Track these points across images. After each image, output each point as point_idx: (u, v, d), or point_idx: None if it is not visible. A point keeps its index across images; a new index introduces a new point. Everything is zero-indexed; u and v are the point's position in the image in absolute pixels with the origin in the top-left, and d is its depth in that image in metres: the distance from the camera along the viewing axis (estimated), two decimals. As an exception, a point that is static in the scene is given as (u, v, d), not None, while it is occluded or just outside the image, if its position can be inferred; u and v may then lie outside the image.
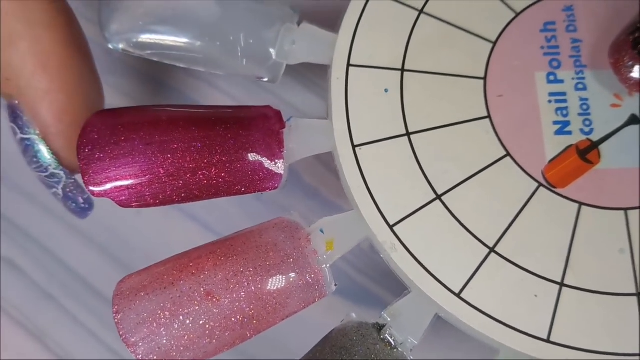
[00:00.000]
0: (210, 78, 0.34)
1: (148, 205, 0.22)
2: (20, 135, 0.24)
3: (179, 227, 0.32)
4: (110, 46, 0.24)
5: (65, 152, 0.24)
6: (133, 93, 0.34)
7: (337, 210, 0.31)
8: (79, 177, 0.24)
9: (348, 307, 0.30)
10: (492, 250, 0.22)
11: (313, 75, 0.33)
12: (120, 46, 0.24)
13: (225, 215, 0.32)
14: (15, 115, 0.24)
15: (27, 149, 0.24)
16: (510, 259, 0.21)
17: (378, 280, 0.30)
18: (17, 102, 0.24)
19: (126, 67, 0.34)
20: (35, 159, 0.24)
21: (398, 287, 0.29)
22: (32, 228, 0.33)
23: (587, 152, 0.22)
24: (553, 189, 0.22)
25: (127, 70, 0.34)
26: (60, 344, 0.31)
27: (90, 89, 0.24)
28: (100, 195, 0.22)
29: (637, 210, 0.22)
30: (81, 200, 0.25)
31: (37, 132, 0.24)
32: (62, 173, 0.24)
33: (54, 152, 0.24)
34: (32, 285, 0.32)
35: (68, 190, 0.24)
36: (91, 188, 0.22)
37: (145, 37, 0.24)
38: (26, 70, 0.23)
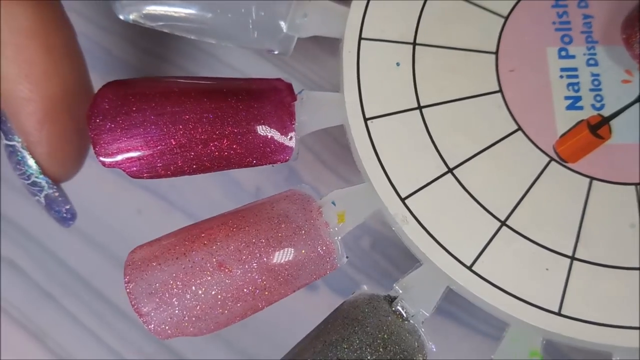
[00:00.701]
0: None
1: (159, 176, 0.22)
2: (4, 141, 0.24)
3: (179, 227, 0.32)
4: (120, 17, 0.24)
5: (47, 161, 0.24)
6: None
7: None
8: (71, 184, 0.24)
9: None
10: (503, 223, 0.22)
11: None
12: (131, 17, 0.24)
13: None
14: (0, 120, 0.24)
15: (11, 155, 0.24)
16: (522, 232, 0.21)
17: (378, 279, 0.30)
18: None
19: (126, 67, 0.34)
20: (18, 166, 0.24)
21: None
22: (32, 228, 0.33)
23: (598, 128, 0.22)
24: (564, 164, 0.22)
25: (127, 70, 0.34)
26: (60, 344, 0.31)
27: (76, 96, 0.24)
28: (111, 165, 0.22)
29: (648, 186, 0.22)
30: (63, 211, 0.25)
31: (21, 139, 0.23)
32: (44, 182, 0.24)
33: (35, 160, 0.24)
34: (32, 285, 0.32)
35: (50, 199, 0.24)
36: (102, 159, 0.22)
37: (156, 9, 0.24)
38: (8, 78, 0.23)
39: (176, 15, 0.24)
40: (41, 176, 0.24)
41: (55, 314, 0.31)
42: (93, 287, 0.32)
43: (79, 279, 0.32)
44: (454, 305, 0.30)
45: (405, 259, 0.29)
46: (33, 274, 0.32)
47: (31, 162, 0.23)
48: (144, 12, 0.24)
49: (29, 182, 0.24)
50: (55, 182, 0.24)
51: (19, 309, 0.31)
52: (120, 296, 0.31)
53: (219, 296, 0.21)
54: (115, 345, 0.31)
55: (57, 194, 0.24)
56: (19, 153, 0.23)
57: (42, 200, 0.24)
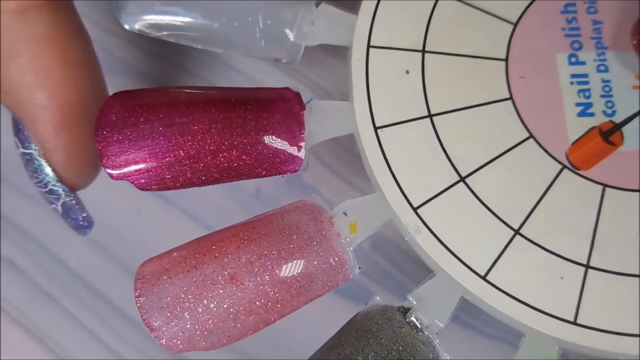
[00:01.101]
0: (215, 81, 0.33)
1: (168, 188, 0.22)
2: (21, 149, 0.24)
3: (179, 227, 0.32)
4: (126, 27, 0.24)
5: (64, 169, 0.24)
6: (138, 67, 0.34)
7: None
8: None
9: (348, 307, 0.30)
10: (517, 232, 0.21)
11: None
12: (137, 27, 0.24)
13: (226, 215, 0.32)
14: (17, 128, 0.24)
15: (28, 163, 0.24)
16: (536, 241, 0.21)
17: (378, 279, 0.30)
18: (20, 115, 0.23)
19: (127, 66, 0.34)
20: (35, 174, 0.24)
21: (398, 286, 0.29)
22: (32, 228, 0.32)
23: (610, 134, 0.22)
24: (577, 171, 0.22)
25: (127, 69, 0.34)
26: (60, 344, 0.31)
27: (92, 104, 0.23)
28: (119, 177, 0.22)
29: (662, 192, 0.22)
30: (80, 219, 0.24)
31: (37, 147, 0.23)
32: (60, 190, 0.24)
33: (52, 168, 0.23)
34: (32, 285, 0.32)
35: (67, 207, 0.24)
36: (109, 171, 0.22)
37: (162, 18, 0.23)
38: (25, 85, 0.23)
39: (182, 24, 0.24)
40: (58, 184, 0.24)
41: (55, 314, 0.31)
42: (93, 287, 0.31)
43: (79, 279, 0.31)
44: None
45: (406, 260, 0.29)
46: (33, 274, 0.32)
47: (48, 170, 0.23)
48: (149, 21, 0.24)
49: (46, 190, 0.24)
50: (72, 190, 0.24)
51: (19, 309, 0.31)
52: (120, 296, 0.31)
53: (232, 309, 0.21)
54: (115, 346, 0.31)
55: (74, 201, 0.24)
56: (35, 161, 0.23)
57: (59, 208, 0.24)
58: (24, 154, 0.24)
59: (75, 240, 0.31)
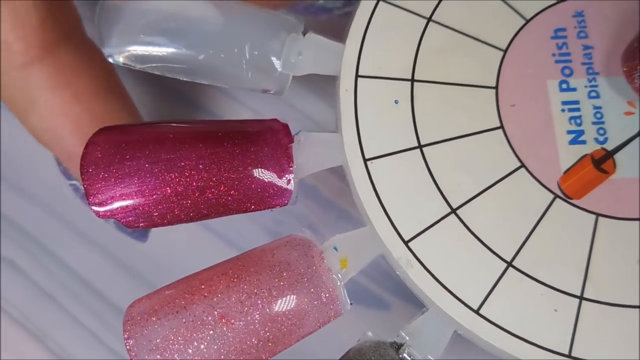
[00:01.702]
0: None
1: (155, 225, 0.22)
2: (67, 181, 0.25)
3: (179, 227, 0.32)
4: (110, 60, 0.23)
5: None
6: (138, 95, 0.33)
7: (336, 210, 0.31)
8: None
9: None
10: (509, 264, 0.21)
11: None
12: (121, 60, 0.23)
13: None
14: (58, 162, 0.25)
15: (76, 192, 0.26)
16: (529, 273, 0.21)
17: (377, 279, 0.30)
18: None
19: (130, 70, 0.33)
20: (84, 200, 0.24)
21: (397, 286, 0.28)
22: (32, 228, 0.33)
23: (603, 162, 0.22)
24: (569, 200, 0.22)
25: (127, 69, 0.33)
26: (60, 344, 0.31)
27: None
28: (105, 216, 0.21)
29: (655, 221, 0.21)
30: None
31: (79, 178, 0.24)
32: None
33: None
34: (32, 285, 0.32)
35: (119, 224, 0.25)
36: (95, 209, 0.21)
37: (147, 50, 0.23)
38: (48, 132, 0.24)
39: (166, 56, 0.23)
40: None
41: (55, 314, 0.31)
42: (93, 287, 0.32)
43: (79, 279, 0.32)
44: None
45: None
46: (33, 274, 0.32)
47: None
48: (133, 53, 0.23)
49: None
50: None
51: (19, 309, 0.32)
52: (120, 296, 0.32)
53: (222, 350, 0.20)
54: (115, 345, 0.31)
55: None
56: (80, 189, 0.25)
57: (113, 224, 0.26)
58: (70, 184, 0.25)
59: (75, 240, 0.32)
